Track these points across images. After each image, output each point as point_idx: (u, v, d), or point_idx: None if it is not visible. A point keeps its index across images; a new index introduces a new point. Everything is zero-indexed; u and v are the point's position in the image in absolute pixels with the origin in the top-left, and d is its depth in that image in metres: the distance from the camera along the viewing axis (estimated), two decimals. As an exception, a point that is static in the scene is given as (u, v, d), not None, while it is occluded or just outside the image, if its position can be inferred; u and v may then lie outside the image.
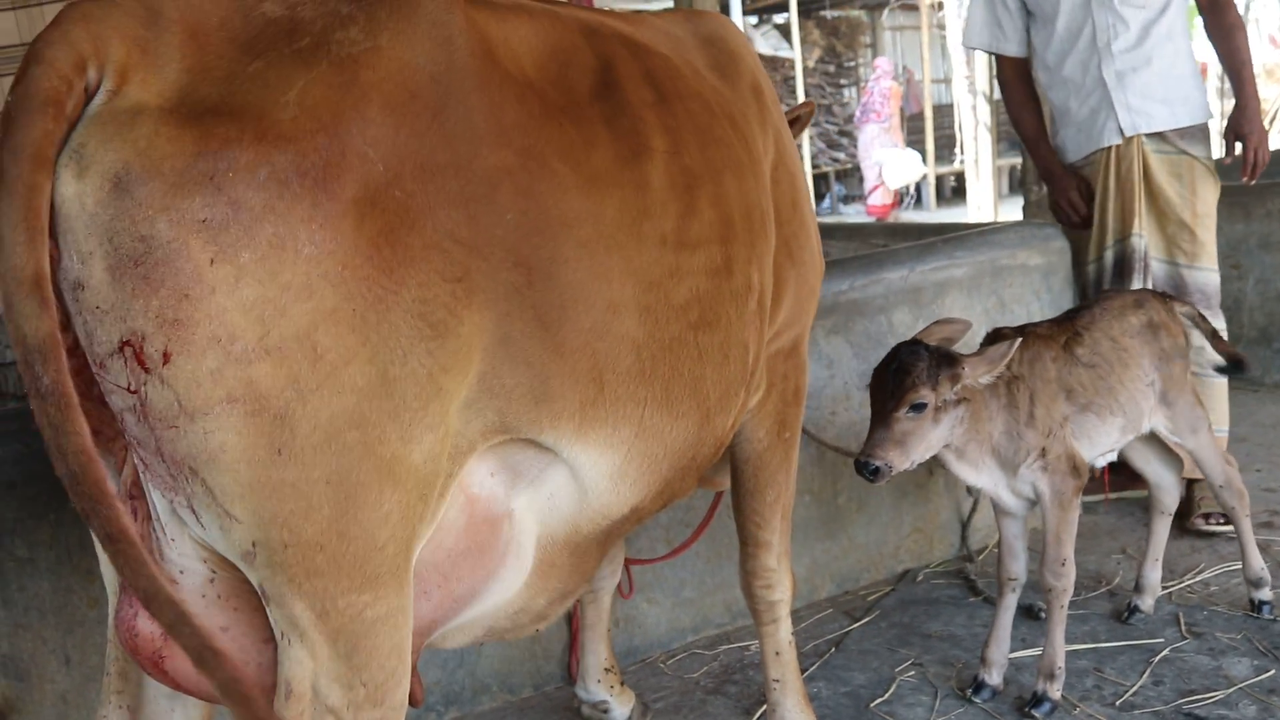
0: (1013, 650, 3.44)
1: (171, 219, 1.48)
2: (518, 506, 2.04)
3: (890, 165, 17.04)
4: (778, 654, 3.03)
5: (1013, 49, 4.63)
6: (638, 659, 3.75)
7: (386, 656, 1.73)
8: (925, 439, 2.92)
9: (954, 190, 18.26)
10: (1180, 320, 3.51)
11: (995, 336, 3.24)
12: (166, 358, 1.50)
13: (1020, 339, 3.05)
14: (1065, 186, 4.55)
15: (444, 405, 1.74)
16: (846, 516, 4.14)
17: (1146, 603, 3.71)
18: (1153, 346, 3.37)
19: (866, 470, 2.87)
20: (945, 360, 2.92)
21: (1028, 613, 3.75)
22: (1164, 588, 3.85)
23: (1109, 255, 4.44)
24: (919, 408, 2.88)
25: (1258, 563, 3.64)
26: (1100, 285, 4.45)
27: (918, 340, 3.02)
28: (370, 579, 1.69)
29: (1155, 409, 3.41)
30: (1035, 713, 3.16)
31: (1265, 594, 3.63)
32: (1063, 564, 3.14)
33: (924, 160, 17.76)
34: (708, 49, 2.62)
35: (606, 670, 3.28)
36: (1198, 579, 3.95)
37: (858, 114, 17.90)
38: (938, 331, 3.13)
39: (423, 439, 1.71)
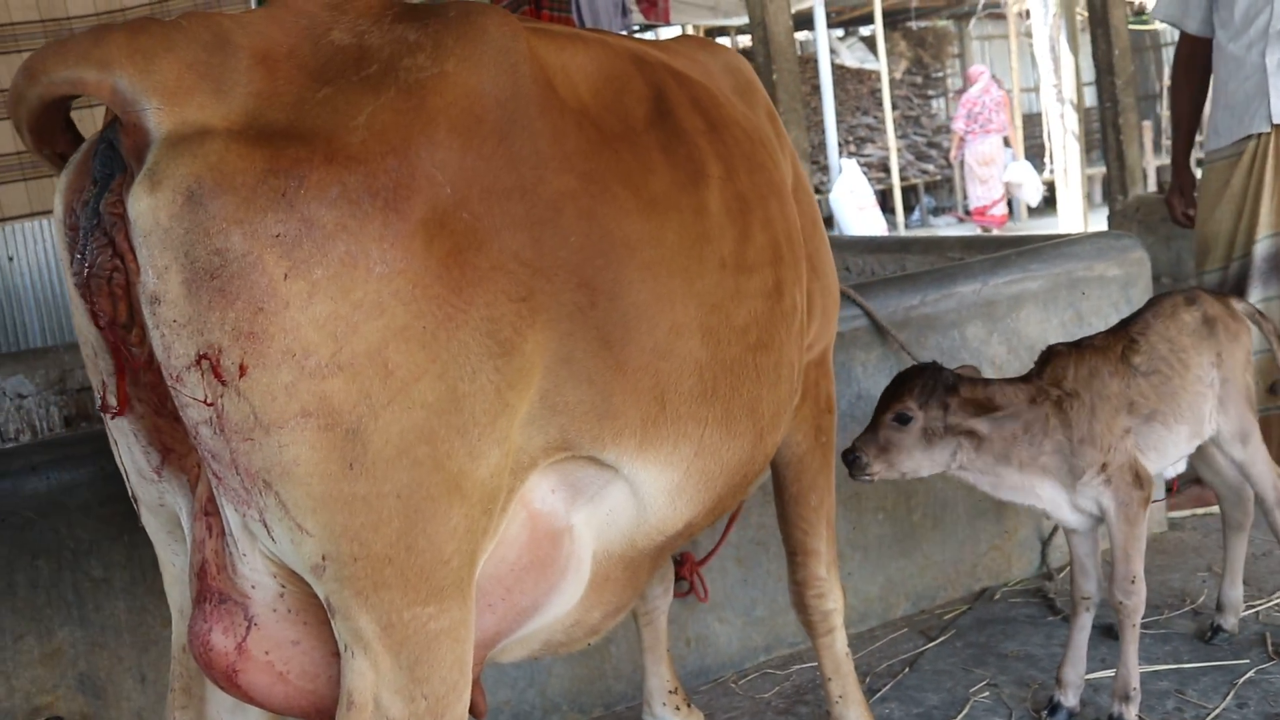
0: (1092, 670, 3.38)
1: (245, 232, 1.52)
2: (577, 522, 2.08)
3: (1027, 182, 16.75)
4: (837, 666, 3.04)
5: (1192, 26, 4.67)
6: (709, 679, 3.75)
7: (449, 669, 1.75)
8: (909, 453, 2.95)
9: (1045, 200, 17.96)
10: (1241, 318, 3.38)
11: (1048, 354, 3.19)
12: (243, 370, 1.54)
13: (1038, 390, 3.05)
14: (1178, 182, 4.75)
15: (509, 421, 1.78)
16: (922, 534, 4.10)
17: (1230, 622, 3.61)
18: (1209, 343, 3.24)
19: (846, 459, 2.95)
20: (945, 389, 2.95)
21: (1108, 632, 3.68)
22: (1251, 607, 3.76)
23: (1259, 249, 4.38)
24: (902, 419, 2.93)
25: None
26: (1245, 281, 4.39)
27: (935, 363, 3.05)
28: (435, 592, 1.72)
29: (1215, 412, 3.27)
30: (1111, 735, 3.10)
31: None
32: (1133, 581, 3.06)
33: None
34: (729, 77, 2.68)
35: (670, 692, 3.28)
36: (1287, 598, 3.86)
37: (961, 123, 17.21)
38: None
39: (489, 454, 1.75)
